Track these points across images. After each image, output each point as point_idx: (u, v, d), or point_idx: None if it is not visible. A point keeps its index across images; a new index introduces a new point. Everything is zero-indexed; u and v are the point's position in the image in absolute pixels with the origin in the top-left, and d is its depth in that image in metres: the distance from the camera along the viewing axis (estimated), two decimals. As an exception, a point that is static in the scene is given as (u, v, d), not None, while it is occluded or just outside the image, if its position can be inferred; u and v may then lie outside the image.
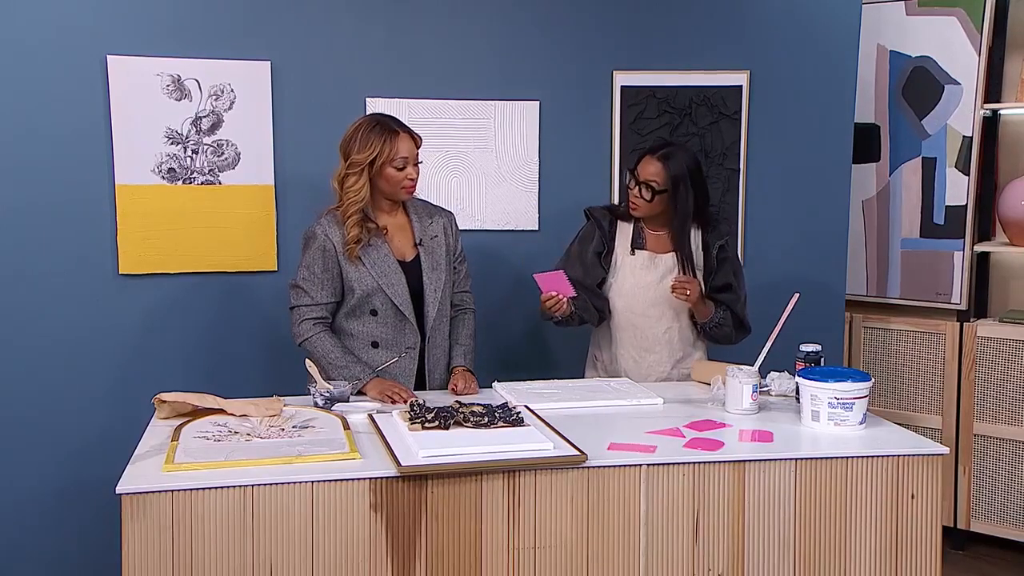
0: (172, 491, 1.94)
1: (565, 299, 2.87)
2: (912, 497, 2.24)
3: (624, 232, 3.10)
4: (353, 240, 2.75)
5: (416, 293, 2.84)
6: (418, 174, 2.82)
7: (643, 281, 3.05)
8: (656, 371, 3.07)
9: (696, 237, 3.08)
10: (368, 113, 2.87)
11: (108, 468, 2.20)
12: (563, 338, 3.55)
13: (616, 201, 3.58)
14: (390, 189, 2.80)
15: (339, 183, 2.80)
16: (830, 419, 2.36)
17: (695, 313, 3.03)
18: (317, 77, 3.37)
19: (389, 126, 2.77)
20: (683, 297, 2.94)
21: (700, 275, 3.04)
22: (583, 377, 3.22)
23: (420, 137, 2.84)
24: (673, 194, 2.98)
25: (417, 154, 2.82)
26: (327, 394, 2.54)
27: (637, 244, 3.07)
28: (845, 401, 2.35)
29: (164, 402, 2.43)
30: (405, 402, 2.58)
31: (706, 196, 3.07)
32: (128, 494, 1.93)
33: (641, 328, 3.05)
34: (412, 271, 2.84)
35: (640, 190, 2.98)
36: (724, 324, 3.03)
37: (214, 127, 3.29)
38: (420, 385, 2.87)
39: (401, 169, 2.77)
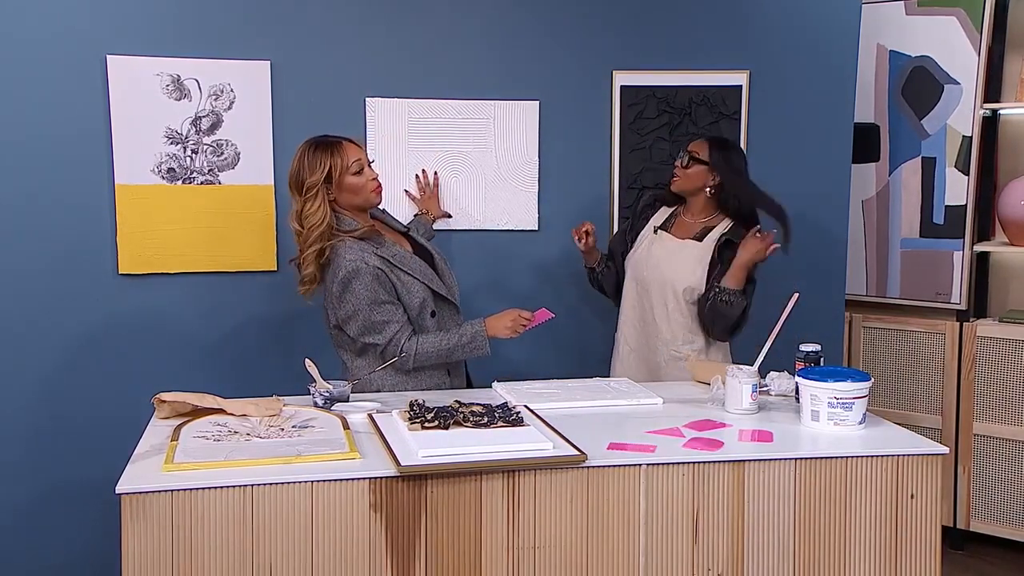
0: (172, 491, 1.93)
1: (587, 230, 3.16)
2: (912, 497, 2.24)
3: (661, 215, 3.23)
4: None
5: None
6: (376, 174, 2.80)
7: (653, 255, 3.14)
8: (650, 344, 3.14)
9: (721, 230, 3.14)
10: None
11: (108, 468, 2.20)
12: (561, 338, 3.55)
13: (618, 200, 3.61)
14: (359, 198, 2.76)
15: (298, 219, 2.72)
16: (830, 419, 2.36)
17: (729, 277, 3.02)
18: (317, 77, 3.37)
19: (328, 140, 2.76)
20: (764, 247, 3.01)
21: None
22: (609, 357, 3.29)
23: (360, 141, 2.82)
24: (717, 172, 3.08)
25: (367, 156, 2.81)
26: (327, 394, 2.54)
27: (664, 226, 3.19)
28: (845, 401, 2.35)
29: (164, 402, 2.42)
30: (532, 321, 2.78)
31: (749, 189, 3.13)
32: (128, 494, 1.92)
33: (641, 300, 3.16)
34: (424, 257, 2.88)
35: (682, 160, 3.12)
36: (735, 305, 3.01)
37: (214, 127, 3.29)
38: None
39: (358, 173, 2.74)
